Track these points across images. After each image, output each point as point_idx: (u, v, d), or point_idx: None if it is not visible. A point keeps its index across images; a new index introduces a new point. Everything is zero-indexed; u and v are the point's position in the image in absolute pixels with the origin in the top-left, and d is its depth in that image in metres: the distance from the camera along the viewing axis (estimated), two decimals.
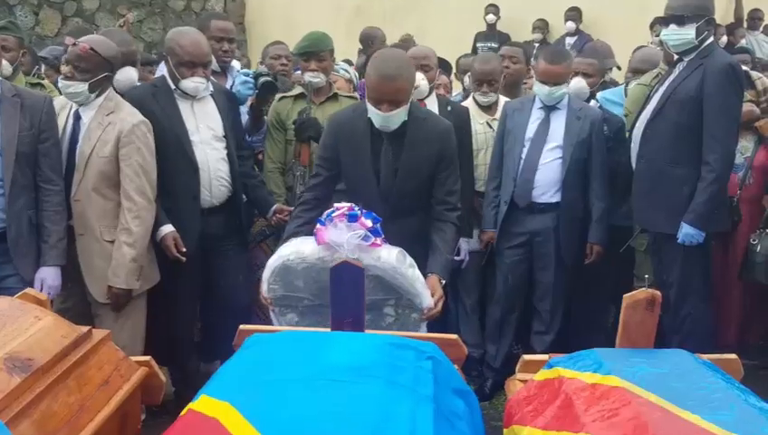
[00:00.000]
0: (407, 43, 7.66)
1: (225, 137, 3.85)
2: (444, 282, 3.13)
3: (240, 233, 4.03)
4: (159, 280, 3.69)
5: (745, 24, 9.00)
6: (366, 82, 3.21)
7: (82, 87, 3.50)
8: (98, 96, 3.56)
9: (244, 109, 4.28)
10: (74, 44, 3.51)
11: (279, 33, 12.24)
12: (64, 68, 3.59)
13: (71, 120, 3.60)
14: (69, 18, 11.61)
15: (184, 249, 3.66)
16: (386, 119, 3.11)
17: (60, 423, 1.92)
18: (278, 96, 4.37)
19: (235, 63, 4.79)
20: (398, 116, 3.14)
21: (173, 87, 3.73)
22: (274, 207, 4.01)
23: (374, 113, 3.13)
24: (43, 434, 1.85)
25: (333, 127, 3.38)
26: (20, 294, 2.38)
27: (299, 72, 4.93)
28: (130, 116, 3.55)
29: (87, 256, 3.54)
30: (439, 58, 4.78)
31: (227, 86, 4.34)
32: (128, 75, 3.89)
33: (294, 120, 4.10)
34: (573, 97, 4.22)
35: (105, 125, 3.51)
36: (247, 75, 4.11)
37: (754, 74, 4.70)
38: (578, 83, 4.56)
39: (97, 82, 3.52)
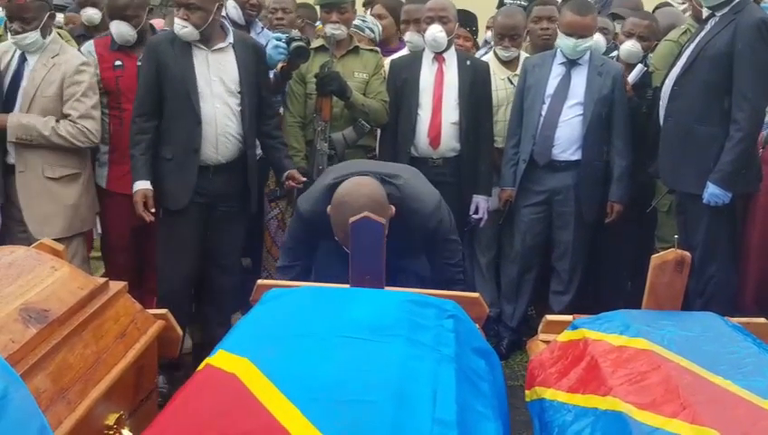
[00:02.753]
0: None
1: (240, 93, 3.73)
2: None
3: (244, 196, 3.88)
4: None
5: None
6: (332, 224, 2.76)
7: (35, 35, 3.63)
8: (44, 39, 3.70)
9: (271, 73, 4.16)
10: (10, 0, 3.67)
11: None
12: (11, 25, 3.66)
13: (15, 62, 3.72)
14: None
15: (152, 210, 3.62)
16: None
17: (76, 376, 1.90)
18: None
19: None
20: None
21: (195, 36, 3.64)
22: (287, 172, 3.87)
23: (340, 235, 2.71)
24: (59, 387, 1.82)
25: (305, 221, 3.05)
26: (36, 244, 2.35)
27: (319, 23, 4.85)
28: (75, 57, 3.74)
29: (26, 192, 3.66)
30: (466, 11, 4.69)
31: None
32: (116, 27, 3.87)
33: (316, 74, 4.02)
34: (594, 53, 4.12)
35: (50, 66, 3.66)
36: (279, 39, 4.00)
37: None
38: (632, 47, 4.24)
39: (45, 26, 3.66)
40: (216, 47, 3.67)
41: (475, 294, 2.40)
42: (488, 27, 5.45)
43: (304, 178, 3.82)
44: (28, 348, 1.79)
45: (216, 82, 3.67)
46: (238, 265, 4.06)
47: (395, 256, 2.63)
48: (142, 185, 3.60)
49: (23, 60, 3.70)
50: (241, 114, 3.73)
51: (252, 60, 3.77)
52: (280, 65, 4.06)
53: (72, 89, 3.64)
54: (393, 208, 2.79)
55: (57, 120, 3.62)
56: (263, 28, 4.49)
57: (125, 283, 2.35)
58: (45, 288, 2.01)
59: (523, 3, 8.97)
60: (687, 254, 2.20)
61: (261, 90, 3.84)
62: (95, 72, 3.81)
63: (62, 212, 3.70)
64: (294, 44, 3.96)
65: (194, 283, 3.90)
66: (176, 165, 3.67)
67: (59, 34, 4.81)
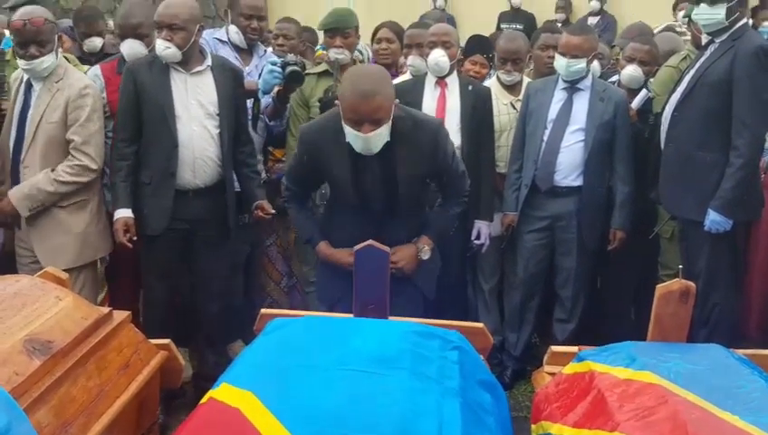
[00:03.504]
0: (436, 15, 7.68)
1: (219, 115, 3.69)
2: (427, 251, 3.16)
3: (223, 220, 3.81)
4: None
5: None
6: (340, 103, 2.92)
7: (51, 58, 3.54)
8: None
9: (268, 98, 4.14)
10: (25, 24, 3.50)
11: (302, 8, 12.27)
12: (23, 51, 3.52)
13: (22, 90, 3.64)
14: None
15: (135, 237, 3.57)
16: (367, 141, 2.86)
17: (79, 409, 1.90)
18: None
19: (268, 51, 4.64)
20: (380, 137, 2.89)
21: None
22: (257, 202, 3.82)
23: (353, 136, 2.88)
24: (62, 421, 1.82)
25: (303, 141, 3.16)
26: (41, 272, 2.34)
27: (324, 49, 4.87)
28: (78, 81, 3.61)
29: (35, 223, 3.58)
30: (483, 37, 4.74)
31: (252, 65, 4.27)
32: (129, 46, 3.85)
33: (319, 99, 4.04)
34: (596, 78, 4.12)
35: (54, 92, 3.56)
36: (275, 64, 4.01)
37: None
38: (634, 72, 4.22)
39: (57, 49, 3.60)
40: (194, 70, 3.65)
41: (480, 325, 2.39)
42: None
43: (273, 211, 3.81)
44: (32, 381, 1.79)
45: (195, 105, 3.64)
46: (227, 291, 3.99)
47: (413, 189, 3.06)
48: (123, 213, 3.57)
49: (29, 87, 3.64)
50: (219, 137, 3.70)
51: (230, 84, 3.76)
52: (276, 89, 4.03)
53: (76, 114, 3.56)
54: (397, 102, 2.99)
55: (53, 169, 3.53)
56: (265, 51, 4.50)
57: (128, 312, 2.35)
58: (50, 319, 2.02)
59: (519, 27, 9.07)
60: (692, 284, 2.20)
61: (238, 114, 3.83)
62: (101, 95, 3.74)
63: (72, 242, 3.61)
64: (289, 69, 3.94)
65: (180, 309, 3.86)
66: (153, 189, 3.64)
67: (66, 58, 4.85)
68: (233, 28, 4.25)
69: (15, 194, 3.51)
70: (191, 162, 3.62)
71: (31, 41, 3.49)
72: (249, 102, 4.07)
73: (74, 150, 3.55)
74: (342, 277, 2.90)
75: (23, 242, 3.66)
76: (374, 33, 5.17)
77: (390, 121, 2.91)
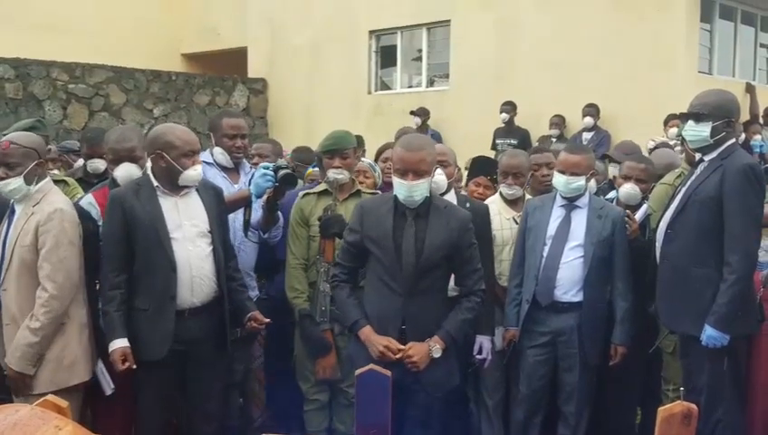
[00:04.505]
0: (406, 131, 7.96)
1: (210, 232, 3.74)
2: (438, 349, 3.38)
3: (222, 336, 3.82)
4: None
5: (761, 121, 9.08)
6: (393, 158, 3.49)
7: (18, 181, 3.52)
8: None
9: (257, 204, 4.22)
10: None
11: (300, 128, 12.60)
12: None
13: (8, 213, 3.64)
14: (96, 112, 11.92)
15: (134, 366, 3.52)
16: (410, 189, 3.34)
17: None
18: (301, 193, 4.39)
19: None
20: (421, 188, 3.37)
21: (155, 184, 3.65)
22: (250, 313, 3.87)
23: (399, 185, 3.37)
24: None
25: (359, 210, 3.57)
26: (40, 401, 2.30)
27: (314, 168, 4.97)
28: (48, 205, 3.54)
29: (9, 343, 3.50)
30: (488, 159, 5.00)
31: (241, 183, 4.37)
32: (126, 170, 3.88)
33: (319, 217, 4.08)
34: (593, 196, 4.20)
35: (29, 215, 3.52)
36: (267, 168, 4.10)
37: None
38: (631, 189, 4.35)
39: (30, 173, 3.54)
40: (183, 193, 3.70)
41: None
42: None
43: (267, 320, 3.86)
44: None
45: (187, 226, 3.67)
46: (223, 412, 3.96)
47: (439, 251, 3.41)
48: (120, 343, 3.51)
49: (12, 210, 3.62)
50: (214, 254, 3.74)
51: (215, 202, 3.82)
52: (266, 197, 4.10)
53: (43, 238, 3.47)
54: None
55: (30, 316, 3.44)
56: (251, 168, 4.59)
57: None
58: None
59: (513, 142, 9.27)
60: (694, 407, 2.17)
61: (224, 230, 3.88)
62: (75, 221, 3.59)
63: (44, 366, 3.49)
64: (282, 172, 4.05)
65: (175, 432, 3.80)
66: (152, 314, 3.59)
67: (65, 181, 4.91)
68: (217, 150, 4.36)
69: (11, 361, 3.45)
70: (189, 282, 3.63)
71: (0, 162, 3.52)
72: (240, 212, 4.15)
73: (44, 280, 3.46)
74: (367, 361, 3.14)
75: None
76: (379, 153, 5.32)
77: (430, 181, 3.46)
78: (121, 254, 3.59)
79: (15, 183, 3.53)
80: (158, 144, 3.65)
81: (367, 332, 3.46)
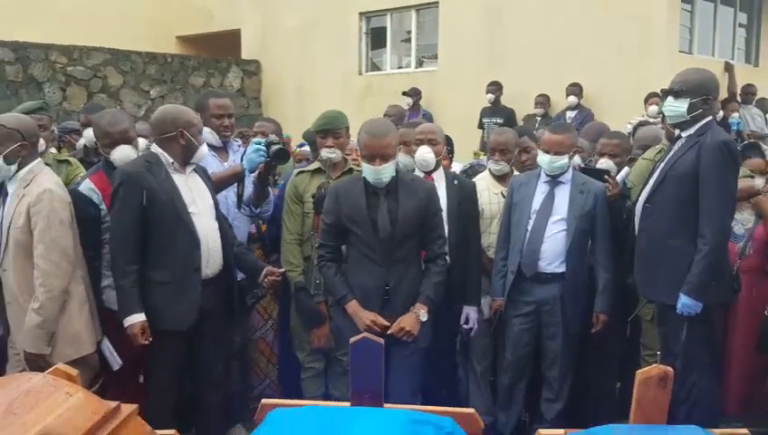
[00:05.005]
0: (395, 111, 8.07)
1: (214, 207, 3.81)
2: (424, 313, 3.57)
3: (230, 305, 3.91)
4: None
5: (739, 99, 9.10)
6: (359, 144, 3.61)
7: None
8: (20, 169, 3.56)
9: (249, 180, 4.28)
10: None
11: (293, 108, 12.57)
12: None
13: (1, 195, 3.62)
14: (94, 94, 11.85)
15: (150, 340, 3.55)
16: (378, 172, 3.49)
17: None
18: (296, 171, 4.42)
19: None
20: (388, 170, 3.52)
21: (169, 160, 3.67)
22: (266, 269, 3.97)
23: (368, 169, 3.51)
24: None
25: (333, 193, 3.69)
26: (51, 369, 2.34)
27: (304, 147, 4.99)
28: (37, 186, 3.51)
29: (15, 323, 3.53)
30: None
31: (230, 160, 4.40)
32: (123, 152, 3.86)
33: (313, 194, 4.12)
34: (576, 172, 4.24)
35: (20, 196, 3.50)
36: (259, 144, 4.14)
37: (765, 146, 4.85)
38: (605, 163, 4.49)
39: (12, 153, 3.52)
40: (190, 170, 3.75)
41: (471, 410, 2.39)
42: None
43: (282, 270, 4.00)
44: None
45: (199, 201, 3.72)
46: (225, 380, 4.02)
47: (411, 221, 3.57)
48: (139, 318, 3.53)
49: (5, 195, 3.61)
50: (220, 227, 3.80)
51: (207, 179, 3.88)
52: (257, 171, 4.14)
53: (35, 219, 3.45)
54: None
55: (28, 299, 3.45)
56: (239, 146, 4.62)
57: (136, 405, 2.32)
58: (61, 414, 1.99)
59: (499, 121, 9.28)
60: (670, 370, 2.21)
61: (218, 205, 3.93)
62: (65, 200, 3.57)
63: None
64: (274, 147, 4.09)
65: (183, 398, 3.83)
66: (176, 286, 3.61)
67: (68, 161, 4.91)
68: (206, 129, 4.33)
69: (26, 345, 3.46)
70: (207, 255, 3.69)
71: None
72: (232, 188, 4.21)
73: (39, 259, 3.44)
74: (354, 332, 3.27)
75: (12, 345, 3.62)
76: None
77: (395, 162, 3.58)
78: (139, 230, 3.57)
79: None
80: (180, 123, 3.68)
81: (354, 306, 3.59)
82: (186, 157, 3.70)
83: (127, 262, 3.57)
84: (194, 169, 3.80)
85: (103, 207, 3.77)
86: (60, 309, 3.50)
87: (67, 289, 3.53)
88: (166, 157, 3.68)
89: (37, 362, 3.43)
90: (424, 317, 3.57)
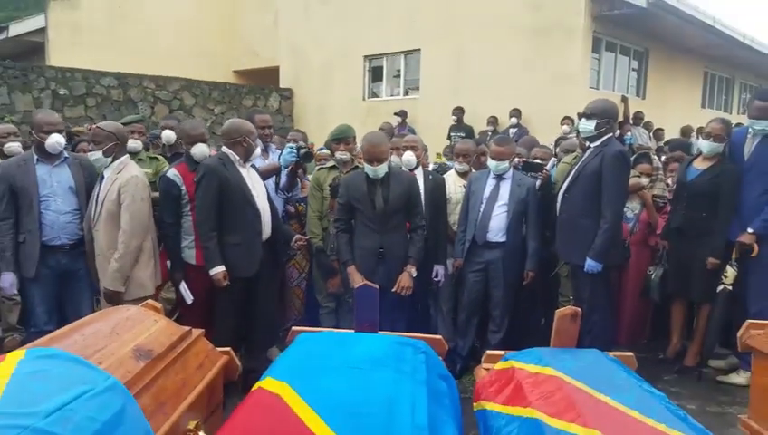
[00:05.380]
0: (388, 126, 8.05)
1: (266, 193, 3.80)
2: (414, 270, 3.65)
3: (275, 261, 3.89)
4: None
5: (631, 121, 9.08)
6: (362, 149, 3.65)
7: (98, 154, 3.53)
8: (113, 160, 3.56)
9: (284, 176, 4.28)
10: (90, 128, 3.56)
11: (315, 123, 12.50)
12: (87, 145, 3.59)
13: (99, 180, 3.61)
14: (174, 110, 11.72)
15: (228, 283, 3.53)
16: (375, 171, 3.56)
17: (169, 395, 1.88)
18: (317, 167, 4.40)
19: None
20: (383, 168, 3.57)
21: (236, 158, 3.64)
22: (295, 236, 3.98)
23: (369, 169, 3.57)
24: (158, 403, 1.81)
25: (344, 183, 3.75)
26: (143, 304, 2.35)
27: (323, 151, 4.98)
28: (128, 173, 3.53)
29: (101, 270, 3.52)
30: None
31: (270, 158, 4.36)
32: (200, 149, 3.81)
33: (329, 184, 4.10)
34: (515, 171, 4.21)
35: (114, 179, 3.51)
36: (292, 148, 4.14)
37: (654, 157, 4.90)
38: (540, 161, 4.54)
39: (109, 150, 3.53)
40: (249, 165, 3.72)
41: (439, 337, 2.40)
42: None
43: (307, 237, 4.04)
44: (138, 376, 1.78)
45: (257, 187, 3.71)
46: (272, 313, 3.99)
47: (399, 202, 3.61)
48: (221, 268, 3.51)
49: (102, 177, 3.60)
50: (271, 206, 3.79)
51: (257, 172, 3.85)
52: (290, 167, 4.14)
53: (124, 196, 3.46)
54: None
55: (112, 253, 3.45)
56: (274, 149, 4.60)
57: (202, 330, 2.35)
58: (150, 334, 2.02)
59: (461, 135, 9.23)
60: (579, 309, 2.24)
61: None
62: (145, 183, 3.59)
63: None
64: (302, 151, 4.13)
65: (242, 328, 3.79)
66: (245, 246, 3.59)
67: (157, 158, 4.87)
68: None
69: (107, 283, 3.46)
70: (264, 224, 3.67)
71: (90, 140, 3.57)
72: (273, 178, 4.21)
73: (124, 223, 3.46)
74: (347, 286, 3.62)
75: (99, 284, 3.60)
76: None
77: (388, 163, 3.62)
78: (216, 207, 3.53)
79: (96, 155, 3.55)
80: (243, 131, 3.66)
81: (351, 270, 3.63)
82: (246, 155, 3.67)
83: (210, 229, 3.53)
84: (252, 165, 3.77)
85: (183, 188, 3.72)
86: (133, 261, 3.50)
87: (140, 246, 3.53)
88: (234, 155, 3.65)
89: (113, 298, 3.44)
90: (414, 274, 3.65)
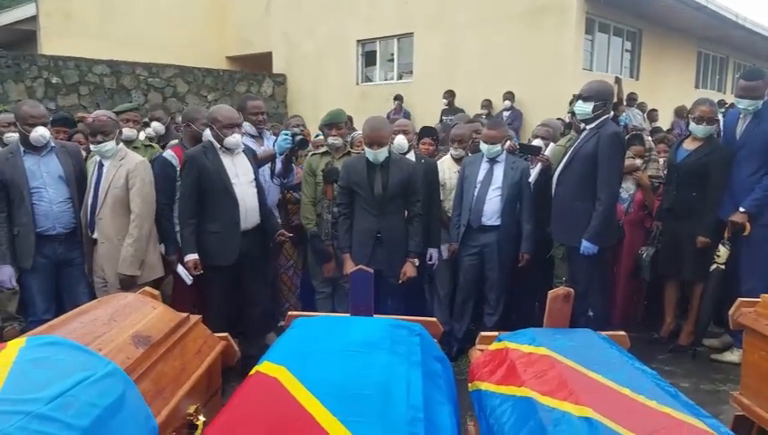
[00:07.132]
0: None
1: (255, 179, 3.77)
2: (416, 261, 3.67)
3: (264, 250, 3.89)
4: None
5: (625, 102, 9.08)
6: (362, 134, 3.60)
7: (112, 144, 3.57)
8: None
9: (279, 162, 4.24)
10: (93, 120, 3.58)
11: (309, 108, 12.46)
12: (93, 138, 3.57)
13: (95, 169, 3.63)
14: (167, 98, 11.65)
15: (201, 272, 3.56)
16: (376, 155, 3.51)
17: (169, 380, 1.89)
18: (310, 153, 4.39)
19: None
20: (383, 153, 3.52)
21: (218, 146, 3.63)
22: (278, 231, 3.99)
23: (369, 152, 3.51)
24: (158, 388, 1.82)
25: (345, 167, 3.71)
26: (141, 290, 2.36)
27: (319, 137, 4.96)
28: (134, 158, 3.62)
29: (106, 257, 3.54)
30: (431, 127, 4.85)
31: (263, 146, 4.34)
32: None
33: (322, 170, 4.10)
34: (508, 154, 4.22)
35: (118, 167, 3.56)
36: (287, 135, 4.12)
37: (647, 137, 4.92)
38: (541, 142, 4.53)
39: (117, 138, 3.61)
40: (235, 153, 3.69)
41: (434, 319, 2.41)
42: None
43: (290, 234, 4.04)
44: (138, 362, 1.79)
45: (241, 174, 3.68)
46: (264, 301, 4.01)
47: (397, 188, 3.57)
48: (194, 256, 3.56)
49: (100, 166, 3.61)
50: (258, 194, 3.77)
51: (252, 158, 3.84)
52: (285, 154, 4.13)
53: (133, 180, 3.52)
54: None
55: (122, 239, 3.50)
56: (269, 135, 4.58)
57: (200, 316, 2.36)
58: (148, 321, 2.02)
59: (452, 118, 9.23)
60: (572, 290, 2.25)
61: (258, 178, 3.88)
62: (149, 168, 3.66)
63: None
64: (297, 137, 4.08)
65: (232, 315, 3.81)
66: (223, 234, 3.59)
67: (152, 145, 4.87)
68: (246, 123, 4.26)
69: (122, 269, 3.50)
70: (244, 213, 3.65)
71: (98, 131, 3.55)
72: (268, 164, 4.17)
73: (135, 206, 3.52)
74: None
75: (97, 271, 3.61)
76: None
77: (389, 147, 3.58)
78: (196, 194, 3.56)
79: (109, 145, 3.56)
80: (210, 118, 3.66)
81: (347, 257, 3.68)
82: (219, 143, 3.63)
83: (188, 217, 3.58)
84: (243, 151, 3.74)
85: (179, 169, 3.76)
86: (147, 243, 3.55)
87: (151, 229, 3.59)
88: (216, 143, 3.65)
89: (129, 283, 3.46)
90: (416, 263, 3.71)
